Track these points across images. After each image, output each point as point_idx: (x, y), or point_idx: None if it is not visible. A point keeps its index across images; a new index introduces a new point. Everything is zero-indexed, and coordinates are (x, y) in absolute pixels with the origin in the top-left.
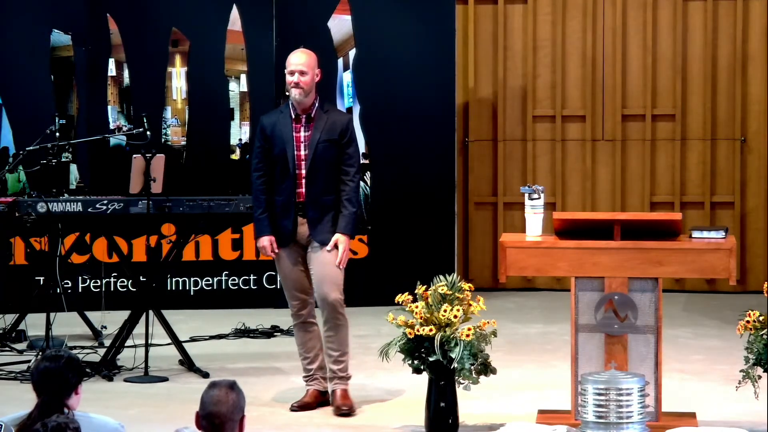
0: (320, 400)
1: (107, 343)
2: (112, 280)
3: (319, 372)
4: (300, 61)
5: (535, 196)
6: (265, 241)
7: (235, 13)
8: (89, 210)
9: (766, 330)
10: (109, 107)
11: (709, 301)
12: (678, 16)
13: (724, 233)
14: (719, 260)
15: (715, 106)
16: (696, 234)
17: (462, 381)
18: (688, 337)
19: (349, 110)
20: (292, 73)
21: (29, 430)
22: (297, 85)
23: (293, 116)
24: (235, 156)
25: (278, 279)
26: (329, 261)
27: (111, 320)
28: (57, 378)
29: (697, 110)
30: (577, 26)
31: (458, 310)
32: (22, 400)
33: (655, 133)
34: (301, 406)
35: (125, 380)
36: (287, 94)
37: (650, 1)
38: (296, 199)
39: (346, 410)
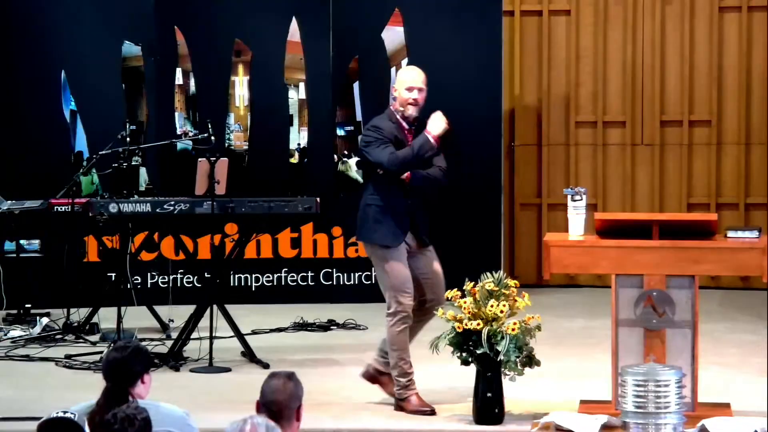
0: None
1: (174, 335)
2: (178, 276)
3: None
4: (420, 78)
5: (578, 197)
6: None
7: (294, 25)
8: (157, 210)
9: None
10: (176, 113)
11: (743, 298)
12: (714, 27)
13: (757, 233)
14: (753, 259)
15: (750, 113)
16: (731, 234)
17: (508, 372)
18: (724, 332)
19: None
20: (411, 89)
21: (98, 418)
22: (415, 102)
23: (406, 127)
24: (294, 159)
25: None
26: (438, 263)
27: (177, 314)
28: (122, 367)
29: (732, 116)
30: (618, 37)
31: (504, 306)
32: (94, 388)
33: (692, 138)
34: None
35: (191, 370)
36: (401, 109)
37: (687, 13)
38: (410, 201)
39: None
